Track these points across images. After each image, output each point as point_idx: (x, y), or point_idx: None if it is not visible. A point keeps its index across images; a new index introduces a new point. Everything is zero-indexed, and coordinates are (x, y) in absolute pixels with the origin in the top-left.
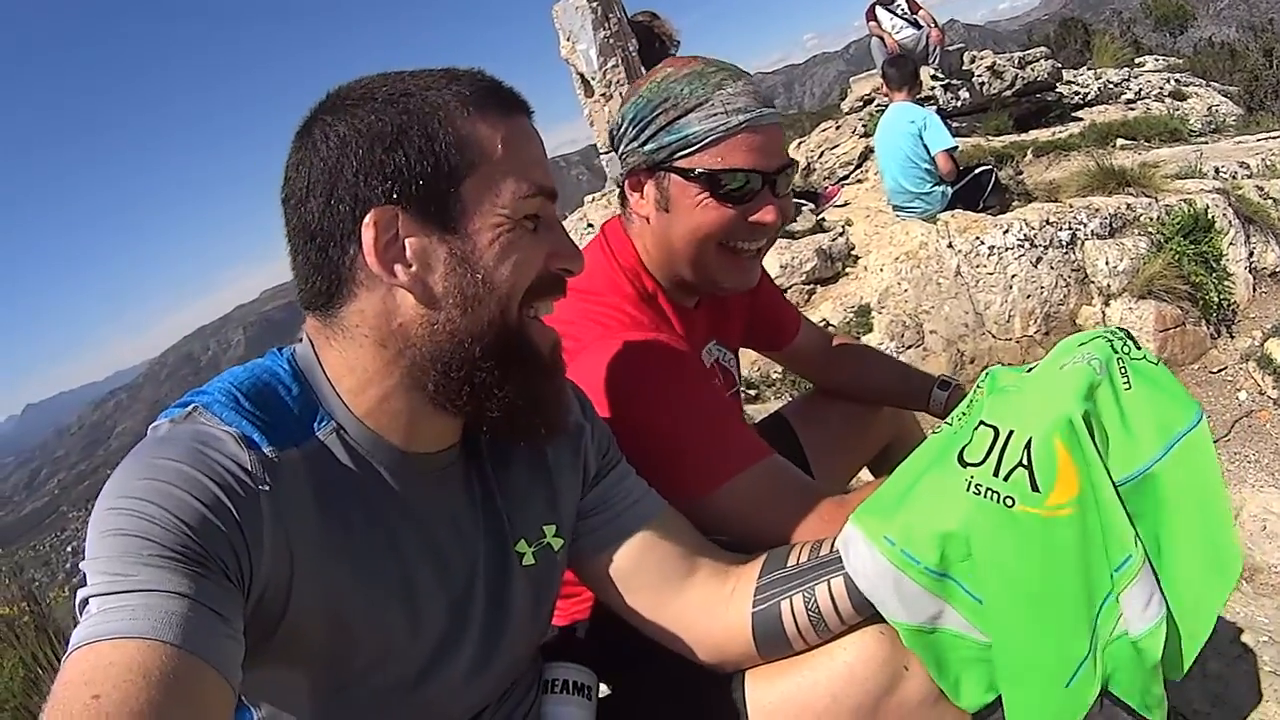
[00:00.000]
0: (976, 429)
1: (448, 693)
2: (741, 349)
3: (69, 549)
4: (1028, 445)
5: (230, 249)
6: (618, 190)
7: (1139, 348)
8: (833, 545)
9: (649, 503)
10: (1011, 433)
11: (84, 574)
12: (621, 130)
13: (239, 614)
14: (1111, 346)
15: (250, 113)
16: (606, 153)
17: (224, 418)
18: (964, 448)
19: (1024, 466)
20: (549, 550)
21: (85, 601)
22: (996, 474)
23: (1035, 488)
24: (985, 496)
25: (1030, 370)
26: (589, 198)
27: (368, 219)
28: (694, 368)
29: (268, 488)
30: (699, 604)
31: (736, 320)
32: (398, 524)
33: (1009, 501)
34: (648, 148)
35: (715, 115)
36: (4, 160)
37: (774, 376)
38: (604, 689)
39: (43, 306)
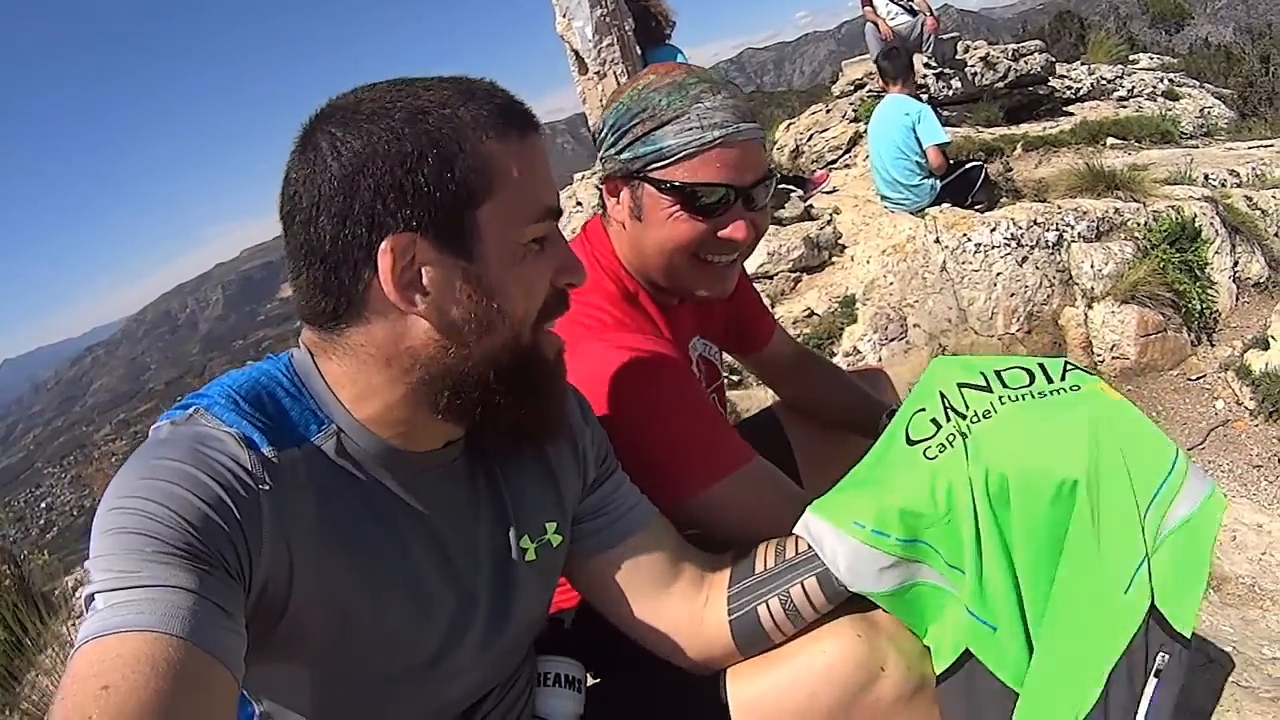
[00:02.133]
0: (914, 415)
1: (448, 683)
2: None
3: (43, 505)
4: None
5: (212, 207)
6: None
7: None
8: (795, 546)
9: (642, 510)
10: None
11: (88, 572)
12: (602, 135)
13: (241, 609)
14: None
15: (233, 71)
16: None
17: (224, 419)
18: (907, 432)
19: (981, 389)
20: (549, 546)
21: (91, 598)
22: (962, 416)
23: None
24: (953, 445)
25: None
26: (578, 176)
27: (384, 245)
28: (680, 370)
29: (268, 487)
30: (679, 614)
31: (718, 316)
32: (401, 520)
33: (988, 412)
34: (624, 156)
35: (690, 129)
36: None
37: None
38: (591, 679)
39: (22, 261)
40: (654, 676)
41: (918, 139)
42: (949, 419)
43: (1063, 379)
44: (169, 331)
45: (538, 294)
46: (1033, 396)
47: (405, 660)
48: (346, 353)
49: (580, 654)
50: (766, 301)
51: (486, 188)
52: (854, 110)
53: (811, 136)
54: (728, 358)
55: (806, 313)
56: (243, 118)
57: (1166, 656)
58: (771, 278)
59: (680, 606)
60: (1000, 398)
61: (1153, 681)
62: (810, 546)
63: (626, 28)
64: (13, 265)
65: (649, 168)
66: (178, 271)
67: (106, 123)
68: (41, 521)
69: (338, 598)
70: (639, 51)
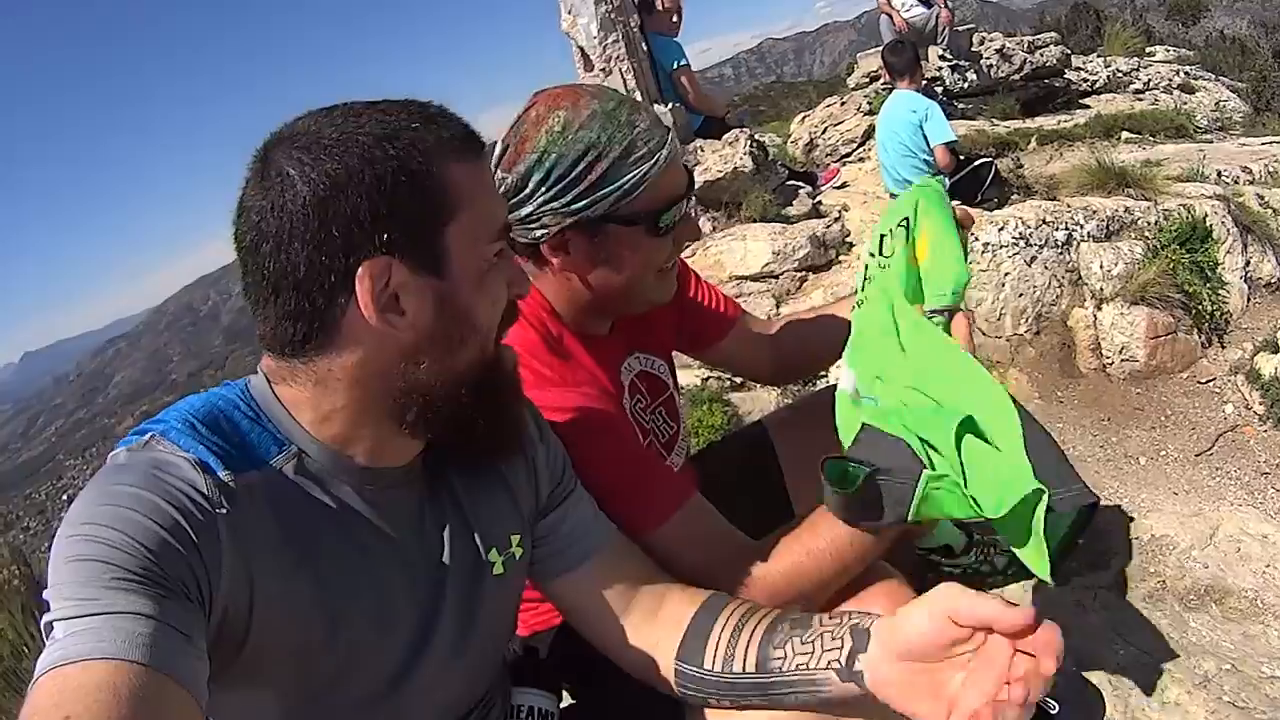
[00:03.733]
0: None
1: (417, 701)
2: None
3: (64, 497)
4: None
5: (234, 199)
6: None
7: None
8: (744, 660)
9: (598, 533)
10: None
11: (46, 601)
12: (528, 192)
13: (202, 634)
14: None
15: (255, 62)
16: None
17: (180, 444)
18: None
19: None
20: (514, 559)
21: (50, 626)
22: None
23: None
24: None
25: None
26: None
27: (362, 270)
28: (604, 418)
29: (225, 510)
30: (638, 638)
31: (662, 325)
32: (364, 537)
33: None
34: (578, 205)
35: (640, 157)
36: (5, 105)
37: None
38: (569, 698)
39: (43, 253)
40: (625, 695)
41: (925, 137)
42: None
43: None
44: (191, 324)
45: (500, 306)
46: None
47: (371, 679)
48: (309, 377)
49: (556, 675)
50: (771, 302)
51: (454, 208)
52: (869, 103)
53: (826, 130)
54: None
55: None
56: (263, 110)
57: None
58: (777, 277)
59: (639, 631)
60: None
61: None
62: (758, 666)
63: (632, 24)
64: (34, 258)
65: (615, 208)
66: (199, 263)
67: (127, 115)
68: (62, 513)
69: (301, 619)
70: (645, 47)
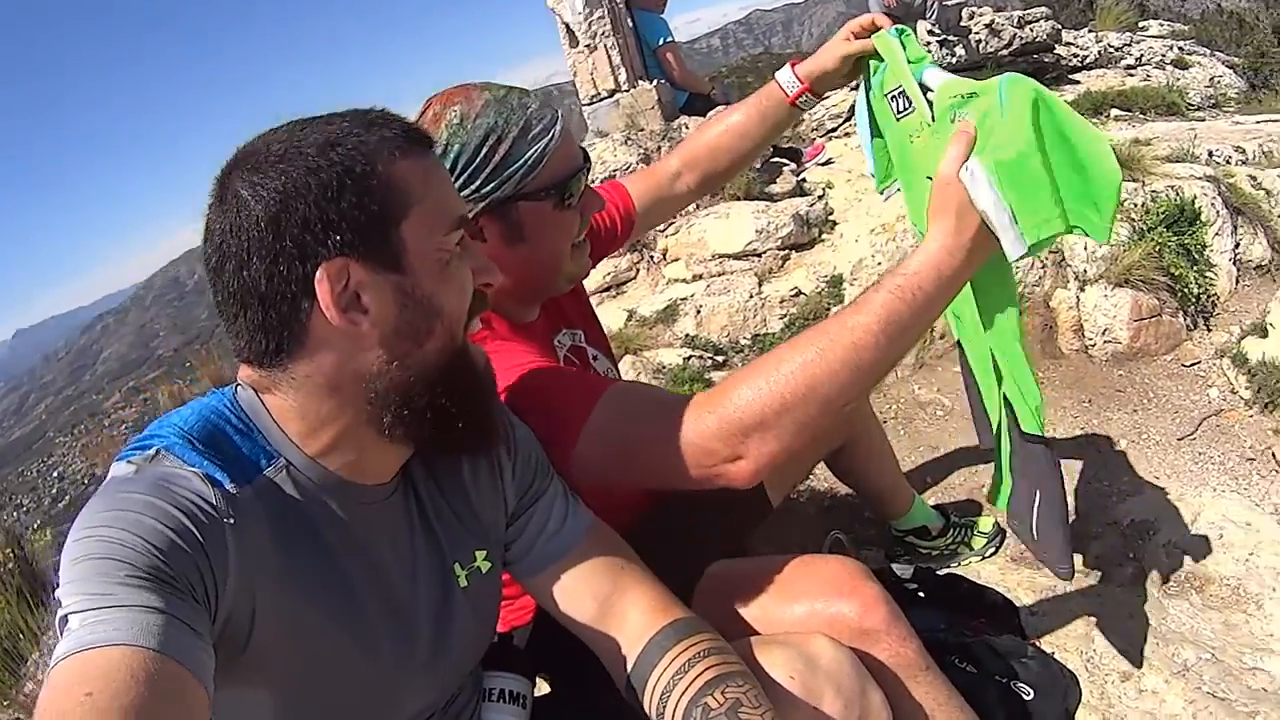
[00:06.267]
0: None
1: (398, 705)
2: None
3: (55, 474)
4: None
5: (218, 175)
6: None
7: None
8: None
9: (566, 538)
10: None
11: (58, 599)
12: None
13: (208, 633)
14: None
15: (241, 36)
16: (589, 103)
17: (186, 458)
18: None
19: None
20: (479, 573)
21: (64, 620)
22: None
23: None
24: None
25: None
26: None
27: (319, 274)
28: (526, 348)
29: (231, 521)
30: (600, 643)
31: (569, 296)
32: (346, 553)
33: None
34: (488, 189)
35: (536, 134)
36: None
37: (742, 343)
38: (545, 687)
39: (34, 231)
40: (599, 683)
41: None
42: None
43: None
44: (177, 298)
45: (468, 294)
46: None
47: (357, 687)
48: (291, 386)
49: (535, 664)
50: (754, 280)
51: (404, 204)
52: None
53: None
54: (714, 337)
55: (794, 292)
56: (247, 88)
57: None
58: (760, 255)
59: (607, 633)
60: None
61: None
62: None
63: (617, 0)
64: (24, 236)
65: (522, 185)
66: (187, 238)
67: (114, 94)
68: (54, 490)
69: (294, 627)
70: (630, 24)
